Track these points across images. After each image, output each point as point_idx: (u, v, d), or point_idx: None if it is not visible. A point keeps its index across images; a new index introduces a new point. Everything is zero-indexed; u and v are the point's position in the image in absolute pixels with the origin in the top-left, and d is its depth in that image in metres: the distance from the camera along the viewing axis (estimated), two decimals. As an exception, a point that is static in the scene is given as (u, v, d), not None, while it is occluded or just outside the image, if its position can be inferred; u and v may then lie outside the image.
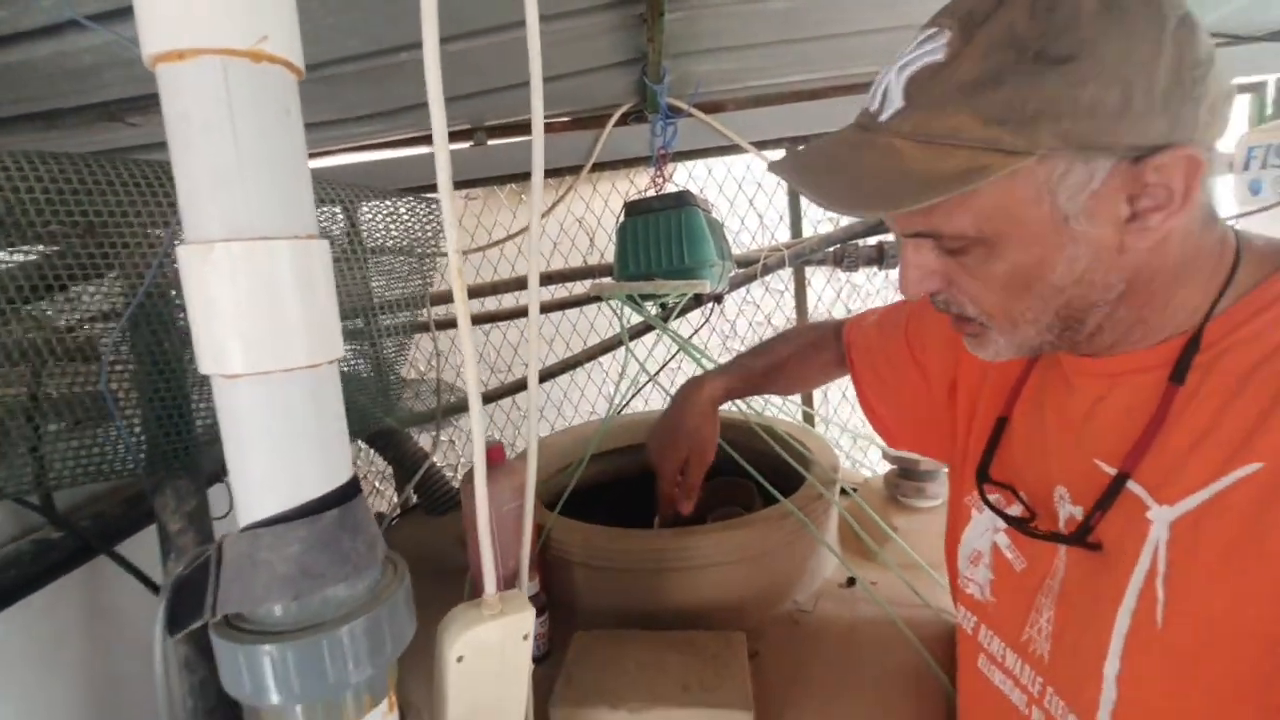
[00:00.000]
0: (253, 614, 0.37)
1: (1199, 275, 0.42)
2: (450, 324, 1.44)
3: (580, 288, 1.49)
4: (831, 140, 0.43)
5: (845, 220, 1.45)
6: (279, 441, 0.35)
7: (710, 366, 0.93)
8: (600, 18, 0.96)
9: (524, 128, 1.42)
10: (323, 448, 0.37)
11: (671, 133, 1.24)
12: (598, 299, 1.49)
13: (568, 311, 1.55)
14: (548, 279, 1.46)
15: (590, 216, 1.53)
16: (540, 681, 0.64)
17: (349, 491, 0.38)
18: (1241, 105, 1.41)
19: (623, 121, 1.30)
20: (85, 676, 0.62)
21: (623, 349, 1.14)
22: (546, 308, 1.52)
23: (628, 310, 1.10)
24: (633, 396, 1.18)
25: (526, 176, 1.39)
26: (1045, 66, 0.36)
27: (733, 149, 1.33)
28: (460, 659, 0.44)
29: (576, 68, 1.12)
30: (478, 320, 1.54)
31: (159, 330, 0.48)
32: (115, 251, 0.43)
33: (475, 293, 1.48)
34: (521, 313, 1.52)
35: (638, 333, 1.39)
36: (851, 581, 0.85)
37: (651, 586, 0.78)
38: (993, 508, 0.51)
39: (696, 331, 1.27)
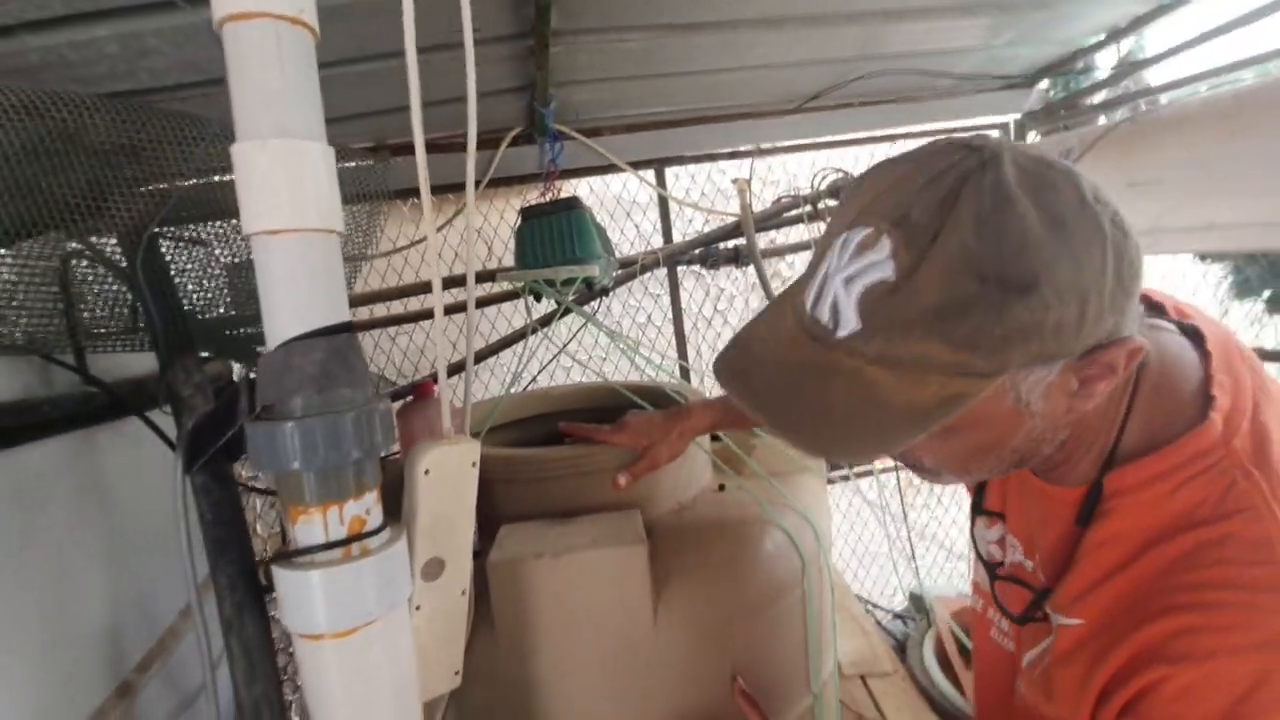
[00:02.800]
0: (279, 409, 0.50)
1: (1114, 417, 0.47)
2: (371, 325, 1.57)
3: (480, 290, 1.65)
4: (783, 357, 0.43)
5: (708, 228, 1.72)
6: (301, 279, 0.50)
7: (613, 333, 1.14)
8: (498, 47, 1.17)
9: (425, 145, 1.58)
10: (330, 292, 0.52)
11: (559, 149, 1.46)
12: (499, 300, 1.66)
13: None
14: (450, 283, 1.61)
15: (488, 228, 1.70)
16: (476, 570, 0.78)
17: (349, 328, 0.53)
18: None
19: (515, 143, 1.51)
20: (121, 509, 0.73)
21: (526, 343, 1.32)
22: (449, 309, 1.67)
23: (530, 297, 1.28)
24: (540, 372, 1.37)
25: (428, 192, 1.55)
26: (1010, 296, 0.36)
27: (611, 168, 1.57)
28: (427, 472, 0.59)
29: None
30: (385, 324, 1.65)
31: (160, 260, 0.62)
32: (142, 175, 0.57)
33: (381, 297, 1.60)
34: (426, 315, 1.65)
35: (544, 323, 1.58)
36: (722, 487, 1.06)
37: (559, 492, 0.94)
38: (982, 558, 0.61)
39: (587, 322, 1.47)
